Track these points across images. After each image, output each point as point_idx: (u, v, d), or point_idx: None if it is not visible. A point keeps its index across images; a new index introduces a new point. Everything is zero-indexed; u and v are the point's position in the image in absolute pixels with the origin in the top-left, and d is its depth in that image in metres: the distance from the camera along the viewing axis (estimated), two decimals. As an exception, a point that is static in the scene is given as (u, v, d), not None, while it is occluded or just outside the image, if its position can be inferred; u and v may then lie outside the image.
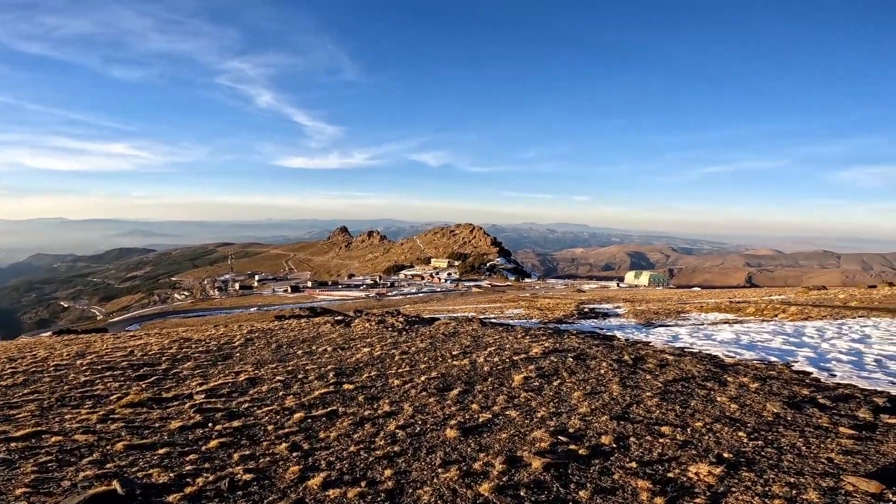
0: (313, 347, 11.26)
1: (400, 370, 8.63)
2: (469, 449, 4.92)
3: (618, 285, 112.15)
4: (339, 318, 17.68)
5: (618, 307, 27.53)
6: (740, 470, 4.20)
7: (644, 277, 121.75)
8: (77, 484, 4.21)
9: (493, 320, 18.89)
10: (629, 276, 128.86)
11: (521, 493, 3.91)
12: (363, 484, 4.17)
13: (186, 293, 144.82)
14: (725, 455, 4.52)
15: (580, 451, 4.70)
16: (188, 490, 4.09)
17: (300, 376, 8.38)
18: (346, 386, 7.59)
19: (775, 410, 5.88)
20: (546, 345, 10.45)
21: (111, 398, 7.21)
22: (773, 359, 9.55)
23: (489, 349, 10.14)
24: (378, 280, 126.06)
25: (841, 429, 5.23)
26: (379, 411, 6.30)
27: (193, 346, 12.02)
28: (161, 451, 4.99)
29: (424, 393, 7.09)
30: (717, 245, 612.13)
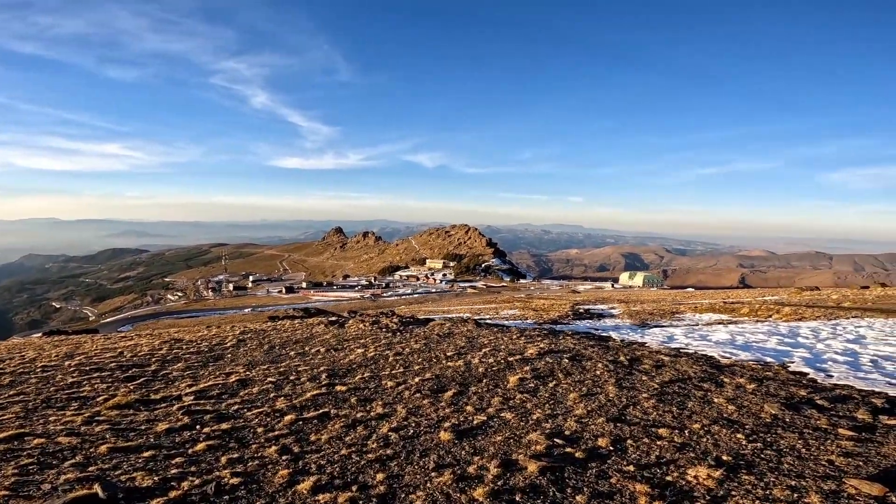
0: (306, 348, 11.12)
1: (394, 371, 8.51)
2: (463, 452, 4.81)
3: (612, 286, 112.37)
4: (333, 318, 17.54)
5: (613, 308, 27.52)
6: (740, 473, 4.11)
7: (638, 278, 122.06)
8: (58, 487, 4.08)
9: (488, 321, 18.81)
10: (624, 277, 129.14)
11: (517, 499, 3.79)
12: (354, 488, 4.05)
13: (180, 294, 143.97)
14: (724, 457, 4.43)
15: (577, 454, 4.60)
16: (172, 494, 3.95)
17: (292, 378, 8.25)
18: (338, 387, 7.46)
19: (773, 412, 5.81)
20: (541, 346, 10.36)
21: (98, 400, 7.05)
22: (768, 359, 9.51)
23: (484, 350, 10.04)
24: (373, 281, 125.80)
25: (840, 430, 5.15)
26: (372, 413, 6.18)
27: (184, 347, 11.85)
28: (146, 454, 4.85)
29: (418, 394, 6.97)
30: (711, 246, 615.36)
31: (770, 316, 18.30)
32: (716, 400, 6.38)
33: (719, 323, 16.98)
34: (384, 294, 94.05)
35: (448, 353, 9.84)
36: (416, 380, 7.78)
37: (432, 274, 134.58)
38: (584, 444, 4.90)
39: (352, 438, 5.28)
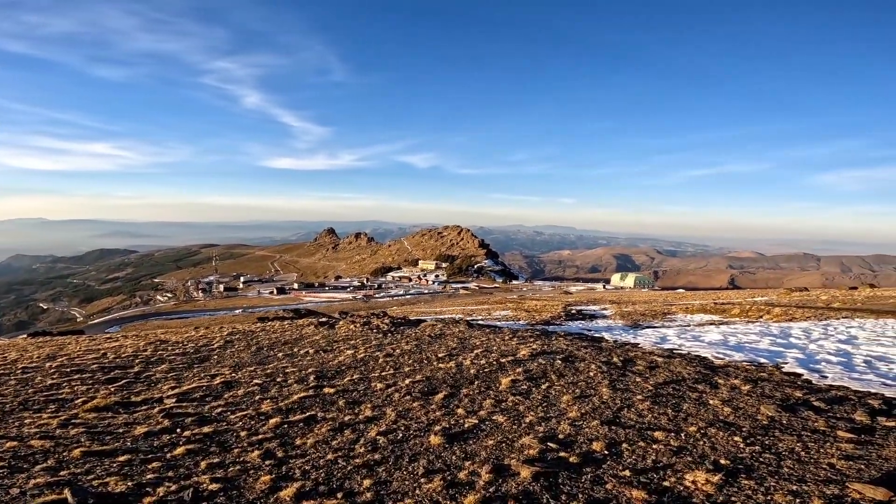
0: (295, 350, 10.89)
1: (384, 373, 8.32)
2: (454, 457, 4.63)
3: (604, 287, 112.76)
4: (324, 319, 17.30)
5: (605, 309, 27.48)
6: (739, 477, 3.97)
7: (630, 279, 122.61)
8: (26, 492, 3.87)
9: (480, 322, 18.66)
10: (615, 278, 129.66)
11: (509, 505, 3.63)
12: (340, 495, 3.87)
13: (169, 295, 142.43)
14: (722, 461, 4.30)
15: (571, 459, 4.44)
16: (146, 500, 3.75)
17: (279, 379, 8.04)
18: (326, 390, 7.26)
19: (770, 414, 5.70)
20: (534, 347, 10.22)
21: (76, 402, 6.80)
22: (762, 360, 9.43)
23: (476, 351, 9.88)
24: (365, 282, 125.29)
25: (839, 432, 5.04)
26: (360, 416, 5.99)
27: (170, 348, 11.58)
28: (122, 458, 4.63)
29: (408, 397, 6.79)
30: (701, 247, 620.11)
31: (761, 317, 18.31)
32: (711, 402, 6.26)
33: (711, 324, 16.94)
34: (376, 295, 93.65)
35: (439, 355, 9.67)
36: (407, 382, 7.60)
37: (425, 275, 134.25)
38: (578, 448, 4.75)
39: (339, 442, 5.09)
